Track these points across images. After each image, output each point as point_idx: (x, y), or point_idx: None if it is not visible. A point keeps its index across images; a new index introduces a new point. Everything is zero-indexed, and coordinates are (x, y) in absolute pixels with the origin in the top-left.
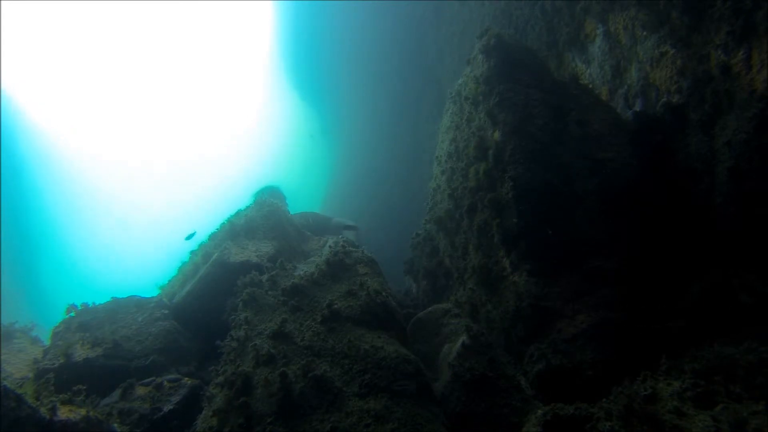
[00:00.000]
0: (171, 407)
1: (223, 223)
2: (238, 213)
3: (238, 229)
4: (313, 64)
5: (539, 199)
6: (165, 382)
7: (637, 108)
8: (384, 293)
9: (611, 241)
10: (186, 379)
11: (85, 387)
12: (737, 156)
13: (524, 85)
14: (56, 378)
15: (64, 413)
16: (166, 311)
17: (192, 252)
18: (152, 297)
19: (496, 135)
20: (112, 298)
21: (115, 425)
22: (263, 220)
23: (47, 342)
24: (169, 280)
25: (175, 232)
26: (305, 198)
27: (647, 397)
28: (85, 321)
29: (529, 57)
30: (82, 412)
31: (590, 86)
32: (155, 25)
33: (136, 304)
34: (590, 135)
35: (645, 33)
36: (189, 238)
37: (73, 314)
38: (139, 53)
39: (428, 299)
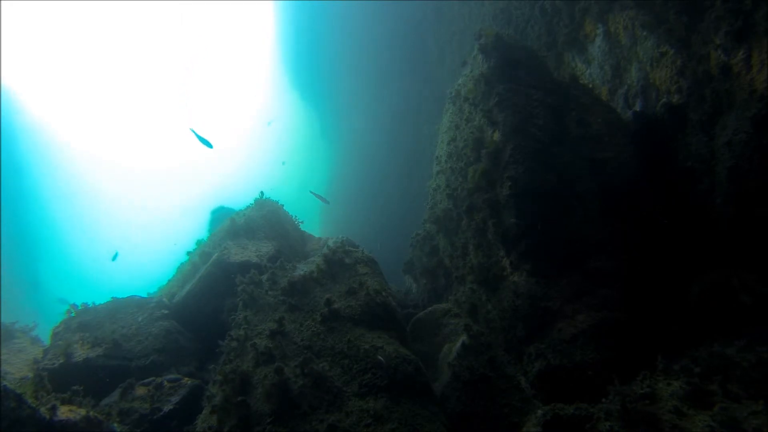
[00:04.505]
0: (171, 407)
1: (223, 223)
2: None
3: (238, 228)
4: (314, 64)
5: (539, 199)
6: (165, 382)
7: (637, 108)
8: (384, 293)
9: (611, 241)
10: (186, 379)
11: (84, 387)
12: (737, 156)
13: (524, 85)
14: (56, 378)
15: (64, 413)
16: (166, 311)
17: (190, 252)
18: (152, 297)
19: (496, 135)
20: (112, 298)
21: (115, 425)
22: (263, 220)
23: (47, 342)
24: (169, 280)
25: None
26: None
27: (647, 396)
28: (85, 321)
29: (528, 57)
30: (82, 412)
31: (590, 86)
32: (157, 26)
33: (136, 304)
34: (590, 135)
35: (645, 33)
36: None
37: (73, 314)
38: (141, 53)
39: (428, 299)
